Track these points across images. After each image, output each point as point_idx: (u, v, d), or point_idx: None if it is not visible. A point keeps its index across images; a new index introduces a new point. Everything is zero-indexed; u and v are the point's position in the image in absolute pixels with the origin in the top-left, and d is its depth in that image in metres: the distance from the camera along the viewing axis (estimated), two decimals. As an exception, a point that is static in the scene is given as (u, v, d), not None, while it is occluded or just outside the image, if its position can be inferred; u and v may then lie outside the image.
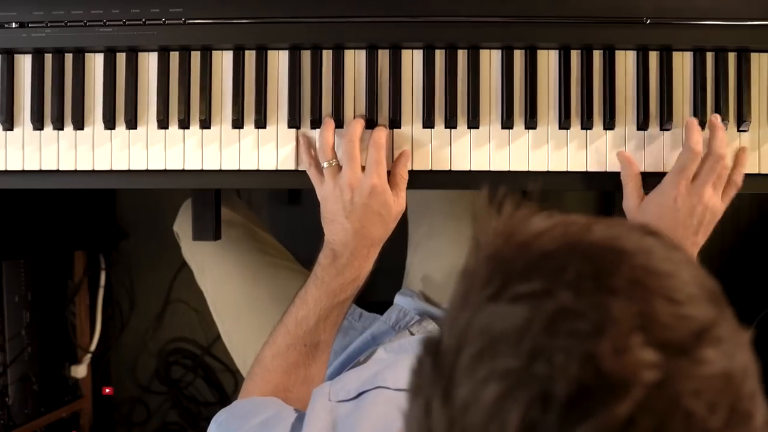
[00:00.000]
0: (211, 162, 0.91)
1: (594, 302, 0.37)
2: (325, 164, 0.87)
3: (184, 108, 0.91)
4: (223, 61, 0.91)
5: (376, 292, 1.16)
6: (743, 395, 0.38)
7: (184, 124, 0.91)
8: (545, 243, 0.40)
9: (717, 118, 0.86)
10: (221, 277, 1.11)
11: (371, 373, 0.76)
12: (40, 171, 0.92)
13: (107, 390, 1.73)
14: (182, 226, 1.15)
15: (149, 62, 0.92)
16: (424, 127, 0.90)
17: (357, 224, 0.85)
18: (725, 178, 0.86)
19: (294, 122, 0.90)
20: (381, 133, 0.87)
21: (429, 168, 0.90)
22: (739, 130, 0.90)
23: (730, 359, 0.38)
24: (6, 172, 0.93)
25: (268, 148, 0.91)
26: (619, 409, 0.34)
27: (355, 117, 0.89)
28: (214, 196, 1.03)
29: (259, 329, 1.08)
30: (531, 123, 0.89)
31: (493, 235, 0.42)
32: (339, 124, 0.90)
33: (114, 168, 0.92)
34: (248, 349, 1.09)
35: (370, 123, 0.90)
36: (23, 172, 0.93)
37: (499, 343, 0.37)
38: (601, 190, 1.63)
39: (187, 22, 0.89)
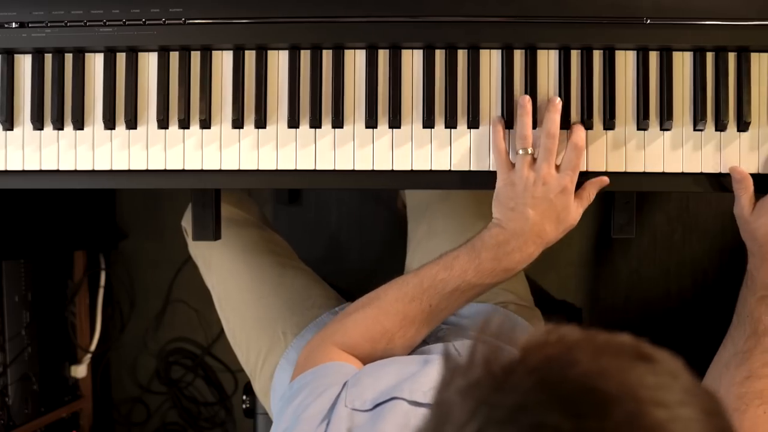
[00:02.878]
0: (211, 162, 0.91)
1: None
2: (521, 152, 0.86)
3: (184, 108, 0.91)
4: (223, 61, 0.91)
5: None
6: None
7: (184, 124, 0.91)
8: (522, 384, 0.38)
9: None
10: (227, 274, 1.12)
11: (390, 383, 0.75)
12: (40, 171, 0.92)
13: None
14: (190, 221, 1.15)
15: (149, 62, 0.92)
16: (424, 127, 0.90)
17: (538, 218, 0.85)
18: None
19: (294, 122, 0.90)
20: (581, 134, 0.86)
21: (429, 168, 0.90)
22: (738, 130, 0.90)
23: None
24: (6, 172, 0.93)
25: (268, 148, 0.91)
26: None
27: (519, 113, 0.87)
28: (214, 196, 1.03)
29: (264, 327, 1.08)
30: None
31: (471, 366, 0.40)
32: (339, 124, 0.90)
33: (114, 168, 0.92)
34: (252, 346, 1.10)
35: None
36: (23, 172, 0.93)
37: None
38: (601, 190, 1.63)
39: (187, 22, 0.89)
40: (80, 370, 1.63)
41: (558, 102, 0.86)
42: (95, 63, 0.92)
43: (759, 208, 0.86)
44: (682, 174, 0.90)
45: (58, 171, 0.92)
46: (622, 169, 0.90)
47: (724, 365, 0.86)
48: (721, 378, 0.84)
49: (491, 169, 0.90)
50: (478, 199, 1.16)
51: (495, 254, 0.85)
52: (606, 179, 0.88)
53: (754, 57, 0.90)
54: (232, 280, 1.11)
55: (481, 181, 0.91)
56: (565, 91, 0.90)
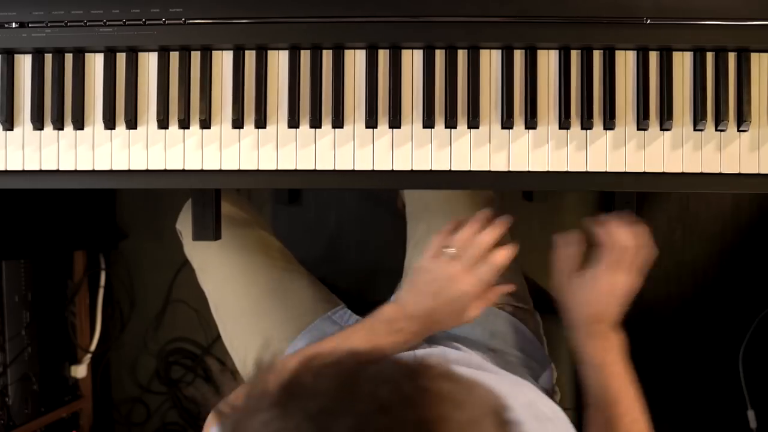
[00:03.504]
0: (211, 162, 0.91)
1: None
2: (451, 250, 0.91)
3: (184, 108, 0.91)
4: (223, 61, 0.91)
5: (376, 292, 1.16)
6: None
7: (184, 124, 0.91)
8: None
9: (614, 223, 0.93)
10: (223, 279, 1.11)
11: None
12: (40, 171, 0.92)
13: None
14: (185, 224, 1.15)
15: (149, 62, 0.92)
16: (424, 127, 0.90)
17: (436, 310, 0.89)
18: (637, 258, 0.93)
19: (294, 122, 0.90)
20: (505, 256, 0.91)
21: (429, 168, 0.90)
22: (739, 130, 0.90)
23: None
24: (6, 172, 0.93)
25: (268, 148, 0.91)
26: None
27: (470, 223, 0.93)
28: (214, 196, 1.03)
29: (260, 333, 1.08)
30: (531, 123, 0.89)
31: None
32: (339, 124, 0.90)
33: (114, 168, 0.92)
34: (249, 352, 1.09)
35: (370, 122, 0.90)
36: (23, 172, 0.93)
37: None
38: (601, 190, 1.63)
39: (187, 22, 0.89)
40: (80, 370, 1.63)
41: (508, 252, 0.92)
42: (95, 63, 0.92)
43: (577, 282, 0.93)
44: (682, 174, 0.90)
45: (58, 171, 0.92)
46: (622, 169, 0.90)
47: None
48: None
49: (491, 169, 0.90)
50: (477, 199, 1.16)
51: (388, 330, 0.90)
52: (512, 287, 0.96)
53: (754, 57, 0.90)
54: (228, 286, 1.11)
55: (481, 181, 0.91)
56: (565, 91, 0.90)
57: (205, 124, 0.91)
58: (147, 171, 0.92)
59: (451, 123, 0.90)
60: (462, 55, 0.90)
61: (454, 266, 0.90)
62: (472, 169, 0.90)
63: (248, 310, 1.10)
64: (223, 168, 0.91)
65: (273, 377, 0.44)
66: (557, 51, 0.90)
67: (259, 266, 1.12)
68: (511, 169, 0.90)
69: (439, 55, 0.90)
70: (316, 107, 0.90)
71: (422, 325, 0.90)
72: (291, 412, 0.41)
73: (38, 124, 0.92)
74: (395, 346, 0.90)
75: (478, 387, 0.46)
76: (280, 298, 1.09)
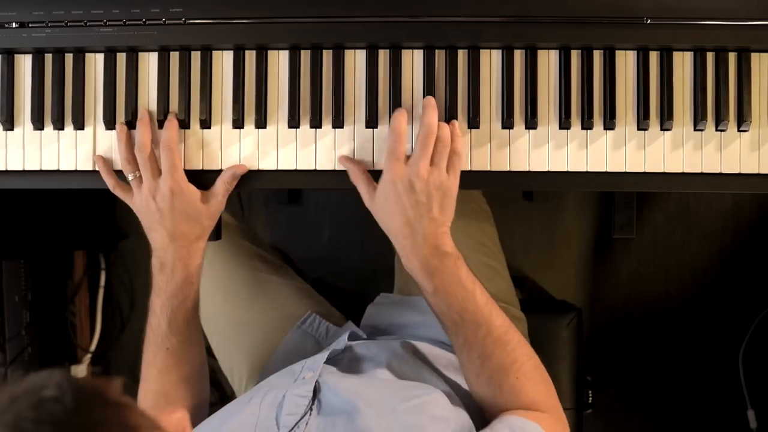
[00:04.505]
0: (211, 162, 0.91)
1: None
2: (130, 176, 0.89)
3: (185, 108, 0.91)
4: (223, 61, 0.91)
5: (376, 292, 1.16)
6: None
7: (184, 125, 0.91)
8: None
9: (430, 99, 0.86)
10: (209, 297, 1.09)
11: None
12: (41, 171, 0.92)
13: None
14: None
15: (149, 62, 0.92)
16: (424, 127, 0.90)
17: (169, 227, 0.87)
18: (445, 152, 0.84)
19: (294, 122, 0.90)
20: (170, 134, 0.88)
21: (429, 168, 0.90)
22: (739, 130, 0.90)
23: None
24: (6, 172, 0.93)
25: (268, 148, 0.91)
26: None
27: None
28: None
29: (247, 350, 1.07)
30: (531, 123, 0.89)
31: None
32: (339, 124, 0.90)
33: (115, 168, 0.92)
34: (235, 369, 1.09)
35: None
36: (23, 172, 0.93)
37: None
38: (601, 190, 1.64)
39: (187, 22, 0.89)
40: (80, 370, 1.63)
41: (170, 118, 0.89)
42: (95, 63, 0.92)
43: (376, 200, 0.85)
44: (682, 174, 0.90)
45: (58, 171, 0.92)
46: (622, 169, 0.90)
47: (463, 365, 0.84)
48: (468, 376, 0.84)
49: (492, 169, 0.90)
50: (471, 198, 1.16)
51: (166, 276, 0.89)
52: (240, 167, 0.90)
53: (755, 57, 0.90)
54: (213, 303, 1.09)
55: (481, 181, 0.91)
56: (565, 91, 0.90)
57: (205, 124, 0.91)
58: (147, 171, 0.92)
59: (451, 123, 0.90)
60: (462, 55, 0.90)
61: (144, 187, 0.88)
62: (472, 169, 0.90)
63: (231, 325, 1.09)
64: (224, 168, 0.91)
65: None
66: (557, 51, 0.90)
67: (245, 281, 1.11)
68: (511, 169, 0.90)
69: (439, 55, 0.90)
70: (316, 107, 0.90)
71: (179, 247, 0.88)
72: None
73: (38, 124, 0.92)
74: (188, 280, 0.88)
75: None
76: (263, 309, 1.09)
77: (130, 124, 0.91)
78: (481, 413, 0.82)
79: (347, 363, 0.90)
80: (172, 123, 0.89)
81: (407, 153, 0.86)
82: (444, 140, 0.84)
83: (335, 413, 0.75)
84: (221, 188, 0.89)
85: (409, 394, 0.77)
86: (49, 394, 0.45)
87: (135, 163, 0.89)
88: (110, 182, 0.90)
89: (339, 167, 0.90)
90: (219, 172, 0.91)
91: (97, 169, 0.91)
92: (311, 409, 0.76)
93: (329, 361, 0.88)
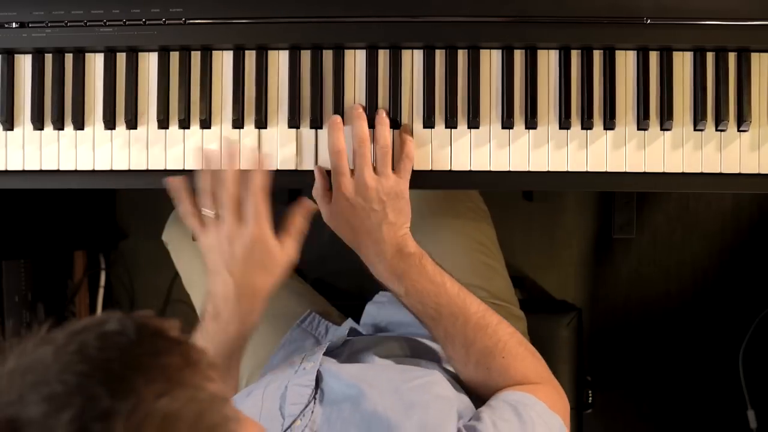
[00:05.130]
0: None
1: None
2: (210, 212, 0.84)
3: (184, 108, 0.91)
4: (223, 61, 0.91)
5: (376, 292, 1.16)
6: None
7: (184, 124, 0.91)
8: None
9: (357, 108, 0.87)
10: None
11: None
12: (40, 171, 0.92)
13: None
14: (171, 235, 1.14)
15: (149, 62, 0.92)
16: (424, 127, 0.90)
17: (239, 276, 0.82)
18: (387, 158, 0.85)
19: (294, 122, 0.90)
20: (258, 180, 0.83)
21: (429, 168, 0.90)
22: (739, 130, 0.90)
23: None
24: (6, 172, 0.93)
25: (268, 148, 0.91)
26: None
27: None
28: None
29: (247, 349, 1.07)
30: (531, 123, 0.89)
31: None
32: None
33: (114, 168, 0.92)
34: None
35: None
36: (23, 172, 0.93)
37: None
38: (601, 190, 1.64)
39: (187, 22, 0.89)
40: (80, 370, 1.63)
41: (263, 172, 0.84)
42: (95, 63, 0.92)
43: (333, 214, 0.87)
44: (682, 174, 0.90)
45: (58, 171, 0.92)
46: (622, 169, 0.90)
47: (450, 358, 0.85)
48: (457, 368, 0.85)
49: (491, 169, 0.90)
50: (468, 197, 1.16)
51: (218, 327, 0.84)
52: (307, 202, 0.87)
53: (754, 57, 0.90)
54: None
55: (481, 182, 0.91)
56: (565, 91, 0.90)
57: (205, 124, 0.91)
58: (147, 171, 0.92)
59: (451, 123, 0.90)
60: (462, 55, 0.90)
61: (223, 226, 0.82)
62: (472, 169, 0.90)
63: None
64: (224, 168, 0.91)
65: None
66: (557, 51, 0.90)
67: None
68: (511, 169, 0.90)
69: (439, 55, 0.90)
70: (317, 107, 0.90)
71: (244, 300, 0.82)
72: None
73: (38, 124, 0.92)
74: (241, 337, 0.84)
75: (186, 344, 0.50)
76: (268, 314, 1.08)
77: (130, 123, 0.91)
78: (481, 401, 0.83)
79: (347, 356, 0.90)
80: (263, 167, 0.84)
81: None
82: (383, 146, 0.86)
83: (339, 400, 0.75)
84: (294, 231, 0.86)
85: (412, 375, 0.78)
86: (112, 328, 0.47)
87: (217, 199, 0.83)
88: (189, 209, 0.85)
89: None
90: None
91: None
92: (314, 398, 0.77)
93: (329, 354, 0.88)
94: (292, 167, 0.91)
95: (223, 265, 0.82)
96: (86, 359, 0.46)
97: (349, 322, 1.04)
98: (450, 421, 0.71)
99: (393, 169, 0.86)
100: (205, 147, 0.89)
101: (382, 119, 0.88)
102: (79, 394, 0.44)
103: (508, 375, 0.81)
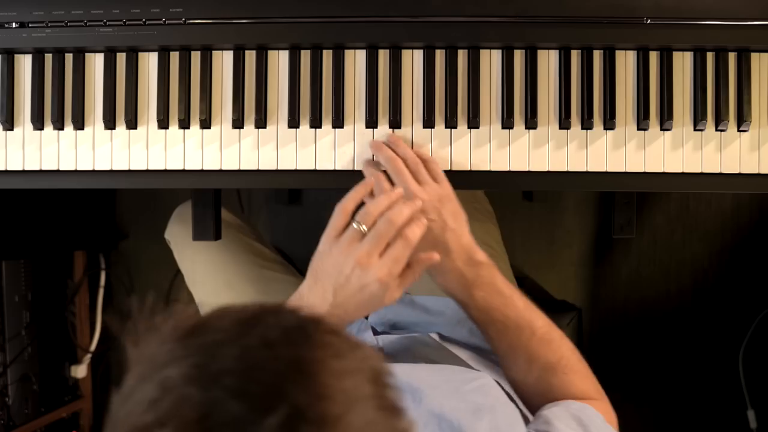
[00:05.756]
0: (211, 162, 0.91)
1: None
2: (355, 225, 0.78)
3: (184, 108, 0.91)
4: (223, 61, 0.91)
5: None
6: None
7: (184, 124, 0.91)
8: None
9: (371, 144, 0.88)
10: (211, 289, 1.10)
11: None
12: (41, 171, 0.92)
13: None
14: (173, 233, 1.14)
15: (149, 62, 0.92)
16: (424, 127, 0.90)
17: (339, 301, 0.78)
18: (419, 167, 0.85)
19: (294, 122, 0.90)
20: (417, 231, 0.77)
21: (429, 168, 0.90)
22: (739, 130, 0.90)
23: None
24: (6, 172, 0.93)
25: (268, 148, 0.91)
26: None
27: (377, 188, 0.83)
28: (214, 196, 1.03)
29: None
30: (531, 123, 0.89)
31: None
32: (339, 124, 0.90)
33: (114, 168, 0.92)
34: None
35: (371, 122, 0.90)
36: (23, 172, 0.93)
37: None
38: (601, 190, 1.64)
39: (187, 22, 0.89)
40: (80, 370, 1.63)
41: (418, 203, 0.80)
42: (95, 63, 0.92)
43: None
44: (682, 174, 0.90)
45: (58, 171, 0.92)
46: (622, 169, 0.90)
47: (509, 369, 0.85)
48: (515, 380, 0.85)
49: (491, 169, 0.90)
50: (474, 198, 1.16)
51: None
52: (436, 257, 0.80)
53: (754, 57, 0.90)
54: (216, 296, 1.09)
55: (481, 181, 0.91)
56: (565, 91, 0.90)
57: (205, 124, 0.91)
58: (147, 171, 0.92)
59: (451, 123, 0.90)
60: (462, 55, 0.90)
61: (359, 249, 0.76)
62: (472, 169, 0.90)
63: None
64: (224, 168, 0.91)
65: (186, 317, 0.48)
66: (557, 51, 0.90)
67: (249, 276, 1.10)
68: (511, 169, 0.90)
69: (439, 55, 0.90)
70: (316, 107, 0.90)
71: (328, 315, 0.78)
72: (186, 344, 0.45)
73: (38, 124, 0.92)
74: None
75: (364, 347, 0.47)
76: None
77: (130, 123, 0.91)
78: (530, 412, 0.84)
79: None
80: (422, 223, 0.78)
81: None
82: (411, 158, 0.86)
83: None
84: (410, 280, 0.80)
85: (467, 376, 0.78)
86: (291, 323, 0.45)
87: (372, 218, 0.78)
88: (348, 206, 0.80)
89: (339, 167, 0.90)
90: (219, 172, 0.91)
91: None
92: None
93: None
94: (292, 167, 0.91)
95: (332, 282, 0.78)
96: (278, 357, 0.42)
97: (366, 322, 1.04)
98: (519, 425, 0.71)
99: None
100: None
101: (395, 139, 0.88)
102: (282, 396, 0.41)
103: (569, 391, 0.82)
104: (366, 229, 0.77)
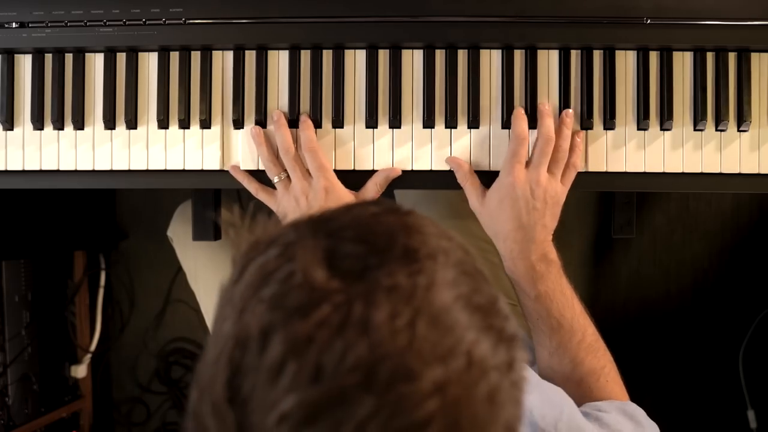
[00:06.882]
0: (211, 162, 0.91)
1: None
2: (276, 179, 0.89)
3: (184, 108, 0.91)
4: (223, 61, 0.91)
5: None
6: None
7: (184, 124, 0.91)
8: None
9: (544, 105, 0.88)
10: (213, 286, 1.09)
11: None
12: (41, 171, 0.92)
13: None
14: (176, 231, 1.14)
15: (149, 62, 0.92)
16: (424, 127, 0.90)
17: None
18: (562, 161, 0.87)
19: (294, 122, 0.90)
20: (309, 135, 0.88)
21: (430, 168, 0.90)
22: (739, 130, 0.90)
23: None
24: (6, 172, 0.93)
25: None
26: (304, 325, 0.41)
27: (303, 116, 0.90)
28: (214, 196, 1.03)
29: None
30: (531, 123, 0.89)
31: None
32: (339, 124, 0.90)
33: (114, 168, 0.92)
34: None
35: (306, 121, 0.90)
36: (23, 172, 0.93)
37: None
38: (601, 190, 1.64)
39: (187, 22, 0.89)
40: (80, 370, 1.63)
41: (304, 119, 0.89)
42: (95, 63, 0.92)
43: (487, 201, 0.87)
44: (682, 174, 0.90)
45: (58, 171, 0.92)
46: (622, 169, 0.90)
47: (550, 367, 0.87)
48: (555, 377, 0.87)
49: (491, 169, 0.90)
50: (456, 198, 1.15)
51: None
52: (396, 172, 0.89)
53: (754, 57, 0.90)
54: (217, 292, 1.09)
55: (480, 181, 0.91)
56: (565, 91, 0.90)
57: (205, 124, 0.91)
58: (147, 171, 0.92)
59: (451, 123, 0.90)
60: (462, 55, 0.90)
61: (295, 186, 0.87)
62: (472, 169, 0.90)
63: None
64: (224, 168, 0.91)
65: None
66: (557, 51, 0.90)
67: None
68: (511, 169, 0.90)
69: (439, 55, 0.90)
70: (317, 107, 0.90)
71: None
72: (296, 223, 0.48)
73: (38, 124, 0.92)
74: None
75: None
76: None
77: (130, 123, 0.91)
78: None
79: None
80: (307, 123, 0.89)
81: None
82: (563, 150, 0.87)
83: None
84: (372, 190, 0.89)
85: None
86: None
87: (279, 165, 0.89)
88: (253, 186, 0.90)
89: (339, 167, 0.90)
90: (219, 172, 0.91)
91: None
92: None
93: None
94: (292, 167, 0.91)
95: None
96: (385, 221, 0.47)
97: None
98: (568, 399, 0.74)
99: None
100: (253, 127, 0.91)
101: (568, 122, 0.88)
102: (394, 242, 0.45)
103: (607, 398, 0.84)
104: (283, 175, 0.88)
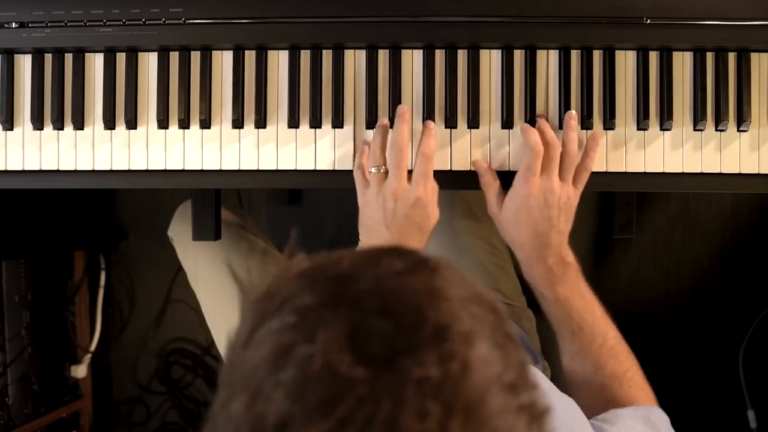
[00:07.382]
0: (211, 162, 0.91)
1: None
2: (373, 169, 0.86)
3: (184, 108, 0.91)
4: (223, 61, 0.91)
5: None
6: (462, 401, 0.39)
7: (184, 124, 0.91)
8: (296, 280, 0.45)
9: (540, 121, 0.88)
10: (214, 286, 1.09)
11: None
12: (40, 171, 0.92)
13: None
14: (176, 230, 1.14)
15: (149, 62, 0.92)
16: (424, 127, 0.90)
17: (396, 236, 0.84)
18: (572, 165, 0.87)
19: (294, 122, 0.90)
20: (430, 142, 0.86)
21: (429, 168, 0.90)
22: (739, 130, 0.90)
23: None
24: (6, 172, 0.93)
25: (268, 148, 0.91)
26: (326, 424, 0.38)
27: (375, 129, 0.88)
28: (214, 196, 1.03)
29: None
30: (531, 123, 0.89)
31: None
32: (339, 124, 0.90)
33: (114, 168, 0.92)
34: None
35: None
36: (23, 172, 0.93)
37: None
38: (601, 190, 1.64)
39: (187, 22, 0.89)
40: (80, 370, 1.63)
41: (431, 126, 0.87)
42: (95, 63, 0.92)
43: (504, 210, 0.87)
44: (682, 174, 0.90)
45: (58, 171, 0.92)
46: (622, 169, 0.90)
47: (573, 370, 0.87)
48: (577, 380, 0.87)
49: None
50: (465, 199, 1.15)
51: None
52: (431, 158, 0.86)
53: (754, 57, 0.90)
54: (218, 292, 1.09)
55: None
56: (565, 91, 0.90)
57: (205, 124, 0.91)
58: (147, 171, 0.92)
59: (451, 123, 0.90)
60: (462, 55, 0.90)
61: (388, 184, 0.84)
62: (472, 169, 0.90)
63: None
64: (223, 168, 0.91)
65: (299, 261, 0.48)
66: (557, 51, 0.90)
67: (253, 273, 1.10)
68: (511, 169, 0.90)
69: (439, 55, 0.90)
70: (317, 107, 0.90)
71: None
72: (312, 278, 0.45)
73: (38, 124, 0.92)
74: None
75: (478, 282, 0.49)
76: None
77: (130, 123, 0.91)
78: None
79: None
80: (432, 132, 0.87)
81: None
82: (572, 155, 0.86)
83: None
84: (435, 194, 0.87)
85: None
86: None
87: (384, 158, 0.86)
88: (357, 162, 0.88)
89: (339, 167, 0.90)
90: (219, 172, 0.91)
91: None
92: None
93: None
94: (292, 167, 0.91)
95: (382, 221, 0.84)
96: (410, 283, 0.44)
97: None
98: (580, 413, 0.73)
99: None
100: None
101: (573, 124, 0.88)
102: (423, 315, 0.42)
103: (633, 403, 0.84)
104: (382, 168, 0.85)
